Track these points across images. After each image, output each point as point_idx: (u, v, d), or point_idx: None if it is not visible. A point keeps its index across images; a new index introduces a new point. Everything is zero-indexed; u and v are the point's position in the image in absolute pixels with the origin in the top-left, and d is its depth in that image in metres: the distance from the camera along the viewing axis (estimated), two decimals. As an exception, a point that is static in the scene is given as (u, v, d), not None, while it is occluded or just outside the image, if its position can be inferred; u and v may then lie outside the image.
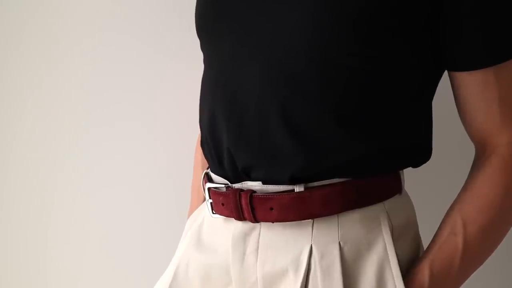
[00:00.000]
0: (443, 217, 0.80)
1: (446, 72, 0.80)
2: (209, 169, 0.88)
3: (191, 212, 1.03)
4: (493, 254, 0.79)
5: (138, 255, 1.26)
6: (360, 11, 0.71)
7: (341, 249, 0.76)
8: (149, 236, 1.24)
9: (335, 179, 0.76)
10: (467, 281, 0.78)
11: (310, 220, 0.77)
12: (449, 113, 0.86)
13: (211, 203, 0.84)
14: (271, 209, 0.77)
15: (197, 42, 0.89)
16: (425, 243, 0.81)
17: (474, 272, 0.79)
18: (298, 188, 0.76)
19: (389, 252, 0.76)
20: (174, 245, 0.96)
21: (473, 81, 0.76)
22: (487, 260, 0.79)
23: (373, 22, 0.72)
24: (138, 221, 1.24)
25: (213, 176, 0.86)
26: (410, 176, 0.84)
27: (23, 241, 1.27)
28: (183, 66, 1.16)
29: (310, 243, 0.77)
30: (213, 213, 0.85)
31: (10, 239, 1.28)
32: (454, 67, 0.76)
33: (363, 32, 0.72)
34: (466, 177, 0.80)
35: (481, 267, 0.79)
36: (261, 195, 0.77)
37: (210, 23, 0.84)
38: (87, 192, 1.24)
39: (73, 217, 1.25)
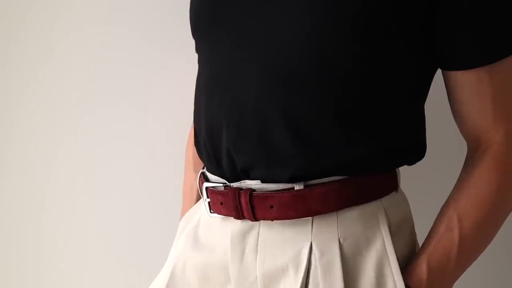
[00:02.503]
0: (437, 213, 0.81)
1: (439, 71, 0.81)
2: (204, 168, 0.88)
3: (183, 212, 1.02)
4: (489, 248, 0.81)
5: (131, 256, 1.25)
6: (357, 11, 0.72)
7: (340, 246, 0.77)
8: (143, 236, 1.24)
9: (334, 177, 0.77)
10: (463, 275, 0.80)
11: (309, 217, 0.77)
12: (443, 111, 0.87)
13: (208, 202, 0.85)
14: (271, 207, 0.77)
15: (192, 41, 0.89)
16: (420, 239, 0.83)
17: (470, 267, 0.81)
18: (298, 186, 0.77)
19: (387, 248, 0.77)
20: (167, 246, 0.96)
21: (467, 80, 0.77)
22: (482, 255, 0.81)
23: (370, 22, 0.72)
24: (132, 221, 1.24)
25: (210, 175, 0.86)
26: (405, 173, 0.85)
27: (20, 240, 1.26)
28: (181, 66, 1.16)
29: (310, 241, 0.77)
30: (211, 212, 0.85)
31: (7, 238, 1.26)
32: (449, 66, 0.78)
33: (360, 32, 0.73)
34: (459, 174, 0.82)
35: (476, 261, 0.81)
36: (261, 194, 0.78)
37: (205, 25, 0.84)
38: (81, 192, 1.24)
39: (68, 218, 1.24)
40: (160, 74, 1.18)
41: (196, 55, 0.90)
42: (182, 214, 1.01)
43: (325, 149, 0.76)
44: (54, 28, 1.18)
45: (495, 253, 0.97)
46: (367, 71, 0.75)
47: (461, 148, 0.84)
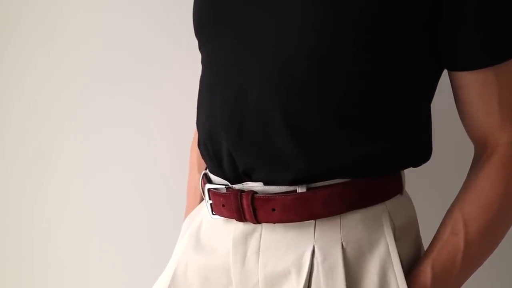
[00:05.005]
0: (443, 216, 0.80)
1: (445, 72, 0.80)
2: (207, 170, 0.88)
3: (187, 213, 1.02)
4: (495, 253, 0.79)
5: (134, 256, 1.25)
6: (360, 13, 0.71)
7: (343, 250, 0.76)
8: (146, 237, 1.24)
9: (337, 180, 0.76)
10: (468, 280, 0.79)
11: (312, 221, 0.76)
12: (449, 113, 0.86)
13: (211, 204, 0.84)
14: (273, 210, 0.77)
15: (195, 41, 0.88)
16: (425, 243, 0.82)
17: (476, 271, 0.79)
18: (300, 189, 0.76)
19: (391, 252, 0.76)
20: (170, 247, 0.96)
21: (473, 81, 0.76)
22: (488, 260, 0.80)
23: (374, 24, 0.71)
24: (134, 222, 1.24)
25: (212, 177, 0.85)
26: (410, 176, 0.84)
27: (16, 241, 1.26)
28: (182, 66, 1.16)
29: (313, 244, 0.77)
30: (213, 214, 0.84)
31: (6, 239, 1.26)
32: (454, 67, 0.77)
33: (363, 34, 0.72)
34: (465, 176, 0.81)
35: (482, 266, 0.80)
36: (263, 196, 0.77)
37: (209, 24, 0.83)
38: (84, 194, 1.24)
39: (71, 218, 1.25)
40: (162, 74, 1.18)
41: (200, 55, 0.90)
42: (186, 215, 1.01)
43: (327, 151, 0.75)
44: (53, 27, 1.18)
45: (503, 255, 0.95)
46: (369, 72, 0.74)
47: (468, 150, 0.83)
